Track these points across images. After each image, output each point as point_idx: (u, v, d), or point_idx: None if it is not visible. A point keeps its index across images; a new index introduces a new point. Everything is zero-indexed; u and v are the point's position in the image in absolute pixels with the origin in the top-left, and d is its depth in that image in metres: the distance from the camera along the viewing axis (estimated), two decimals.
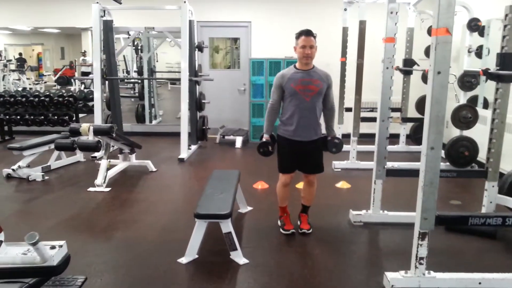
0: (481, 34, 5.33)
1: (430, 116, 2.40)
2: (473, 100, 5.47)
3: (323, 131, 3.40)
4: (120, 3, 4.42)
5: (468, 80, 4.82)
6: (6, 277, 1.94)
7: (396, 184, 3.95)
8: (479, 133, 4.86)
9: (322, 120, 3.37)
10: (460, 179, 4.66)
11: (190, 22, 6.14)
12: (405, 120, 5.87)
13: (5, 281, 1.96)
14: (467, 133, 4.95)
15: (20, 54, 14.04)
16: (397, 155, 5.76)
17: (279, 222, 3.55)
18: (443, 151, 5.30)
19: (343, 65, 5.89)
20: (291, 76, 3.23)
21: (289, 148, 3.29)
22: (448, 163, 4.92)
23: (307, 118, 3.21)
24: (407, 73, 5.86)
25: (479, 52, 5.26)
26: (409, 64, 5.79)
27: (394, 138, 6.42)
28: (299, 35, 3.25)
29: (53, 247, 1.92)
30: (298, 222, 3.53)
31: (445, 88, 2.35)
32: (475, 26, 4.80)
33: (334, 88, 6.45)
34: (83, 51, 12.52)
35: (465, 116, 4.76)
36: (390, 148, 6.08)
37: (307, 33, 3.22)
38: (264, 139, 3.32)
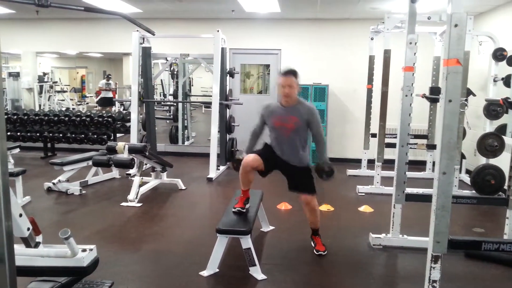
0: (510, 63, 5.36)
1: (442, 142, 2.49)
2: (502, 129, 5.45)
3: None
4: (154, 34, 4.76)
5: (493, 109, 4.84)
6: (41, 275, 2.17)
7: (419, 210, 3.98)
8: (507, 162, 4.83)
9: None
10: (485, 207, 4.63)
11: (223, 49, 6.47)
12: (430, 147, 5.89)
13: (40, 279, 2.20)
14: (494, 161, 4.93)
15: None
16: (423, 182, 5.74)
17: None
18: (469, 179, 5.30)
19: (369, 92, 6.04)
20: (273, 109, 3.44)
21: (274, 154, 3.45)
22: (474, 191, 4.90)
23: (287, 151, 3.42)
24: (433, 100, 5.90)
25: (507, 81, 5.27)
26: (435, 92, 5.84)
27: (421, 165, 6.44)
28: (280, 74, 3.40)
29: (84, 250, 2.15)
30: (312, 244, 3.61)
31: (456, 116, 2.46)
32: (500, 55, 4.86)
33: (361, 114, 6.53)
34: (107, 74, 12.83)
35: (491, 145, 4.76)
36: (416, 174, 6.17)
37: (286, 73, 3.33)
38: (241, 157, 3.48)
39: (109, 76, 12.63)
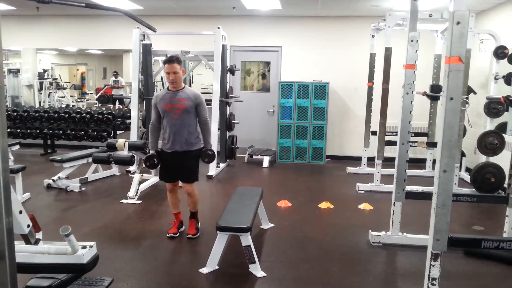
0: (511, 61, 5.34)
1: (443, 140, 2.49)
2: (502, 127, 5.44)
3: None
4: (155, 31, 4.76)
5: (494, 107, 4.83)
6: (41, 271, 2.17)
7: (419, 207, 3.99)
8: (507, 160, 4.82)
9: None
10: (485, 205, 4.64)
11: (223, 46, 6.45)
12: (430, 145, 5.89)
13: (40, 276, 2.20)
14: (494, 159, 4.92)
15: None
16: (423, 180, 5.76)
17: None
18: (468, 177, 5.30)
19: (370, 89, 6.03)
20: (162, 96, 3.66)
21: (166, 160, 3.72)
22: (474, 189, 4.89)
23: (177, 133, 3.63)
24: (434, 98, 5.90)
25: (508, 79, 5.26)
26: (436, 89, 5.83)
27: (421, 163, 6.44)
28: (164, 62, 3.63)
29: (84, 247, 2.15)
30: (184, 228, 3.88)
31: (457, 114, 2.45)
32: (501, 53, 4.84)
33: (361, 112, 6.54)
34: (114, 71, 12.44)
35: (491, 143, 4.75)
36: (417, 172, 6.17)
37: (170, 61, 3.55)
38: (150, 153, 3.77)
39: (115, 73, 12.21)
